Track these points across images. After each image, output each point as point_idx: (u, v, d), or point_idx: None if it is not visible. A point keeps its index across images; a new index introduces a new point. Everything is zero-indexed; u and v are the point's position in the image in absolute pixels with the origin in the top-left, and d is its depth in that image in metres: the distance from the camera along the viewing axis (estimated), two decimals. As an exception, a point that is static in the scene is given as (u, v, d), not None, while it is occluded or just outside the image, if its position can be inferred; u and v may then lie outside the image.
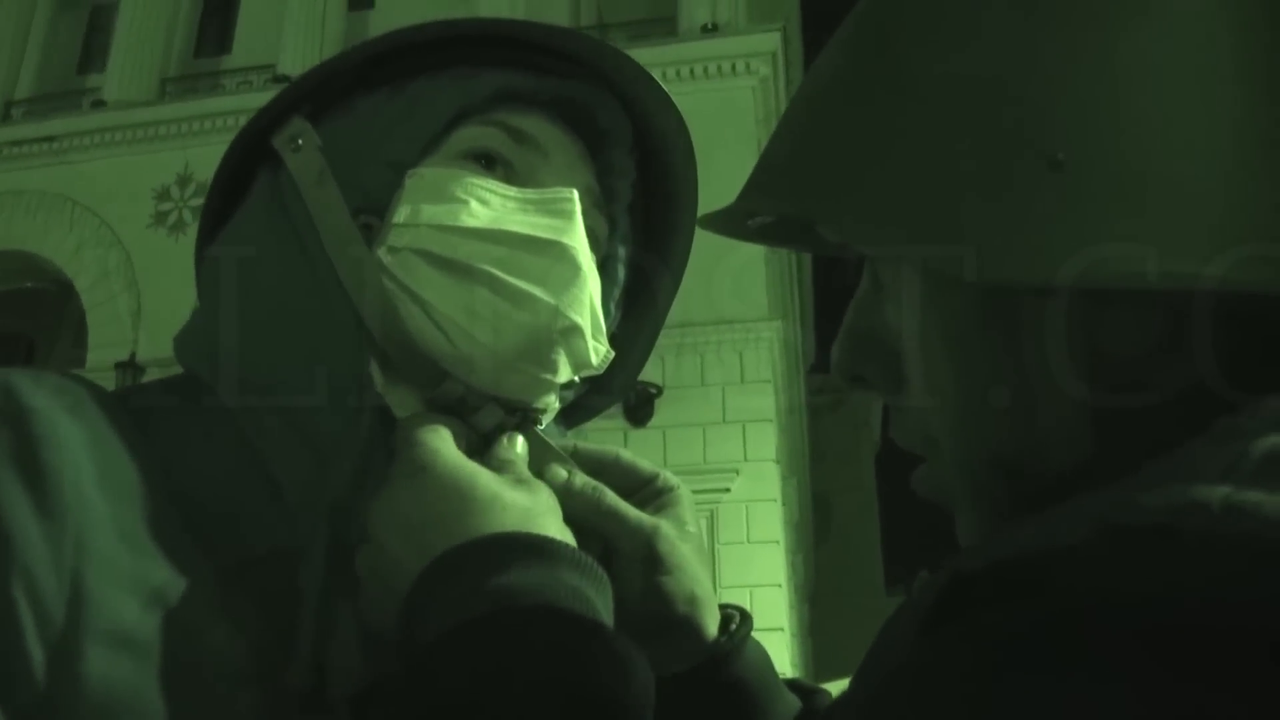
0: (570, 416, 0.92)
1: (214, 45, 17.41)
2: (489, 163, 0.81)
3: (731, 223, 0.68)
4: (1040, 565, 0.43)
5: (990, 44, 0.54)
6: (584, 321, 0.78)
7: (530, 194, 0.80)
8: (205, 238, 0.86)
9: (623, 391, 0.96)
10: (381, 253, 0.77)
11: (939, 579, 0.46)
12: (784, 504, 12.00)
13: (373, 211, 0.78)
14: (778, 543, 11.54)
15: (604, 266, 0.87)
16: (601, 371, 0.85)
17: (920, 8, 0.58)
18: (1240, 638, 0.38)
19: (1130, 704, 0.38)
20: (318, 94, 0.83)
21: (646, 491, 0.84)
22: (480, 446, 0.77)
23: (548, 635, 0.62)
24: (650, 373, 11.14)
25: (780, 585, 11.39)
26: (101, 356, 13.66)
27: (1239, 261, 0.49)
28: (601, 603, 0.67)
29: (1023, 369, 0.55)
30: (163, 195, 14.18)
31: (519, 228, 0.78)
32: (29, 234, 15.14)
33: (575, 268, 0.78)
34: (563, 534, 0.71)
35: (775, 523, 11.60)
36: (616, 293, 0.88)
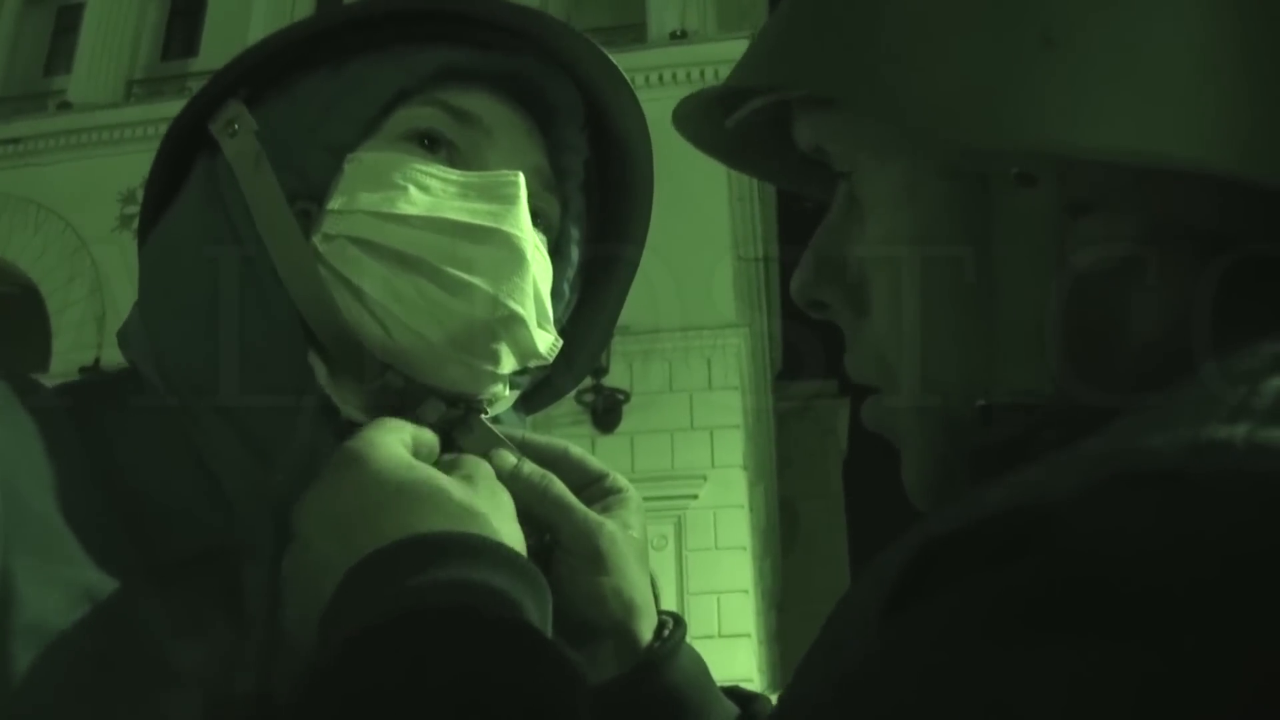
0: (531, 400, 0.90)
1: (181, 48, 17.27)
2: (432, 144, 0.79)
3: (708, 125, 0.67)
4: (1032, 523, 0.37)
5: None
6: (525, 310, 0.76)
7: (472, 177, 0.77)
8: (146, 228, 0.84)
9: (585, 370, 0.94)
10: (317, 240, 0.75)
11: (905, 548, 0.41)
12: (751, 510, 12.00)
13: (312, 197, 0.77)
14: (745, 549, 11.54)
15: (557, 247, 0.85)
16: (551, 360, 0.83)
17: None
18: (1272, 594, 0.32)
19: (1147, 676, 0.32)
20: (256, 75, 0.81)
21: (594, 490, 0.83)
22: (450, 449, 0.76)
23: (460, 640, 0.59)
24: (618, 379, 11.13)
25: (747, 591, 11.39)
26: (66, 361, 13.51)
27: (1239, 150, 0.48)
28: (534, 606, 0.65)
29: (993, 280, 0.54)
30: (128, 199, 14.03)
31: (458, 215, 0.75)
32: (-8, 236, 15.01)
33: (517, 255, 0.76)
34: (510, 535, 0.69)
35: (743, 529, 11.60)
36: (570, 272, 0.87)
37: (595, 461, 0.84)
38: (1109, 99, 0.50)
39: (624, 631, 0.78)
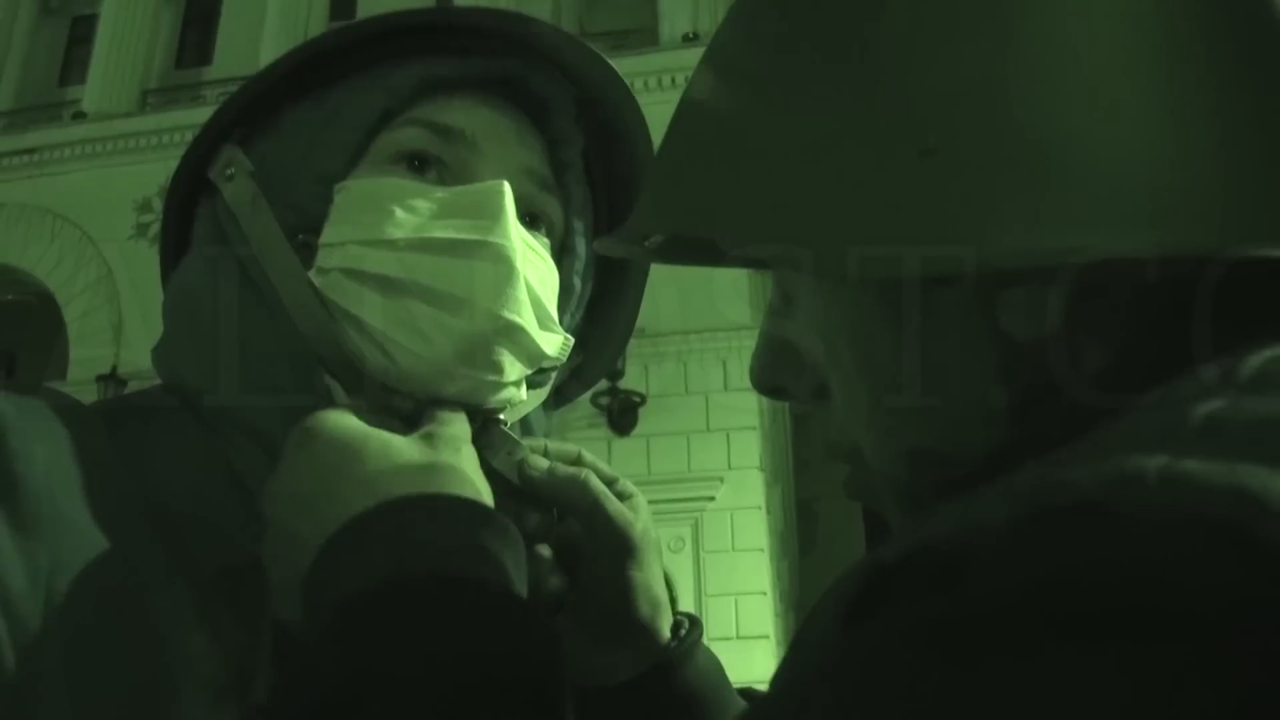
0: (561, 394, 0.91)
1: (195, 56, 17.33)
2: (421, 164, 0.79)
3: (629, 245, 0.66)
4: (961, 552, 0.39)
5: (863, 41, 0.53)
6: (523, 318, 0.76)
7: (456, 193, 0.77)
8: (167, 273, 0.86)
9: (614, 359, 0.94)
10: (313, 275, 0.76)
11: (858, 570, 0.43)
12: (768, 511, 11.97)
13: (311, 229, 0.77)
14: (762, 550, 11.50)
15: (563, 243, 0.85)
16: (563, 360, 0.83)
17: (790, 8, 0.57)
18: (1182, 625, 0.33)
19: (1057, 698, 0.34)
20: (249, 116, 0.82)
21: None
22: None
23: (442, 606, 0.59)
24: (633, 381, 11.12)
25: (765, 593, 11.36)
26: (83, 370, 13.56)
27: (1126, 229, 0.46)
28: (507, 558, 0.64)
29: (929, 361, 0.54)
30: (144, 207, 14.07)
31: (444, 232, 0.75)
32: (9, 247, 15.03)
33: (507, 266, 0.76)
34: (472, 487, 0.68)
35: (760, 530, 11.56)
36: (580, 265, 0.86)
37: (605, 466, 0.85)
38: (1003, 198, 0.48)
39: (648, 628, 0.79)
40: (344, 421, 0.69)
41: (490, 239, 0.75)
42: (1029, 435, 0.50)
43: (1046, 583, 0.36)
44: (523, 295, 0.76)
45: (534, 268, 0.79)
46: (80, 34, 17.60)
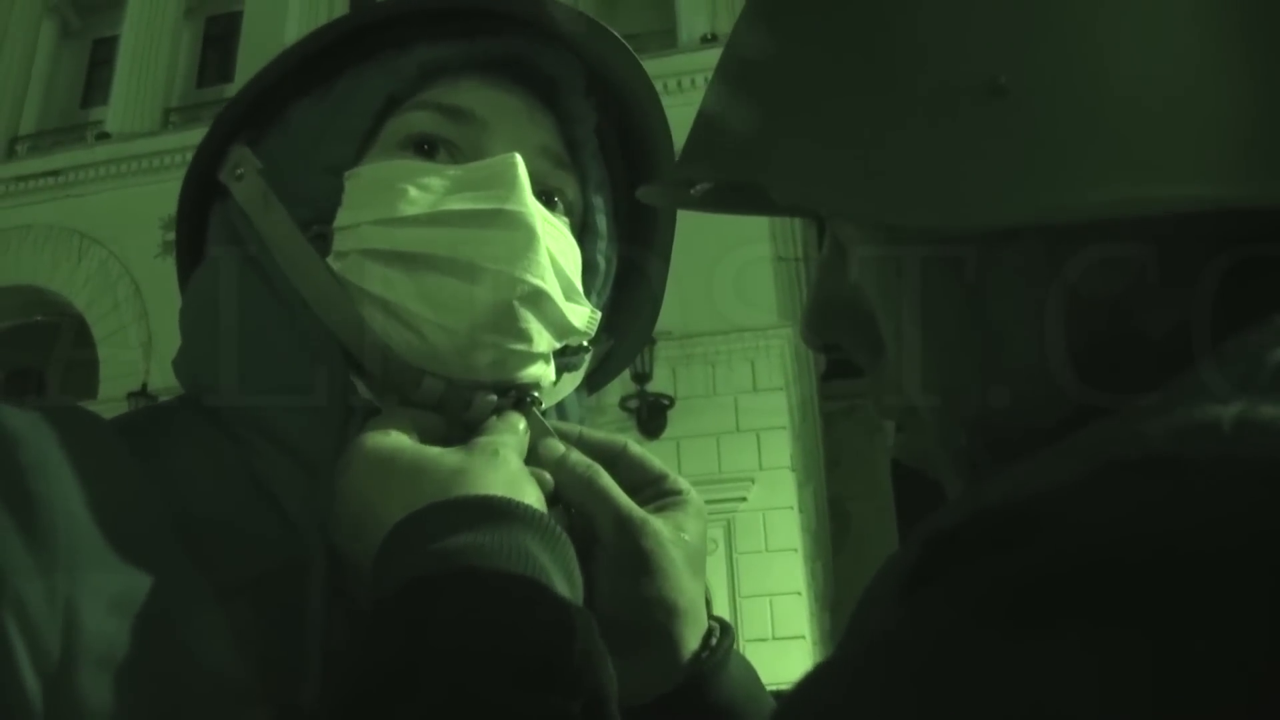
0: (594, 380, 0.89)
1: (216, 74, 17.44)
2: (431, 147, 0.78)
3: (674, 194, 0.64)
4: (1029, 512, 0.37)
5: None
6: (547, 284, 0.75)
7: (469, 169, 0.76)
8: (185, 273, 0.85)
9: (643, 339, 0.93)
10: (331, 260, 0.75)
11: (915, 538, 0.40)
12: (801, 511, 11.95)
13: (325, 221, 0.76)
14: (796, 550, 11.48)
15: (583, 221, 0.84)
16: (591, 335, 0.81)
17: None
18: (1264, 575, 0.31)
19: (1131, 663, 0.32)
20: (256, 115, 0.81)
21: (651, 491, 0.80)
22: (464, 436, 0.74)
23: (476, 602, 0.59)
24: (661, 384, 11.12)
25: (800, 593, 11.34)
26: (114, 388, 13.65)
27: (1222, 177, 0.44)
28: (545, 554, 0.63)
29: (991, 322, 0.51)
30: (170, 225, 14.14)
31: (460, 204, 0.74)
32: (38, 268, 15.17)
33: (527, 231, 0.75)
34: (509, 487, 0.67)
35: (793, 530, 11.55)
36: (602, 243, 0.85)
37: (655, 461, 0.81)
38: (1076, 144, 0.45)
39: (665, 637, 0.75)
40: (377, 441, 0.70)
41: (506, 206, 0.75)
42: (1093, 407, 0.46)
43: (1121, 538, 0.34)
44: (544, 260, 0.75)
45: (555, 239, 0.78)
46: (101, 56, 17.74)
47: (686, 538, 0.77)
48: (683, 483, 0.81)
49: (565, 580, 0.64)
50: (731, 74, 0.58)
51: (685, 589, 0.76)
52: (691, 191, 0.61)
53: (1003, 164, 0.45)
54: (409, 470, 0.68)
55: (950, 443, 0.55)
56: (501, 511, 0.64)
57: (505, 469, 0.69)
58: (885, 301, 0.55)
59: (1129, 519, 0.34)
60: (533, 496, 0.68)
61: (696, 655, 0.75)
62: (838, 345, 0.61)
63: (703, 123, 0.58)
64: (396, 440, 0.70)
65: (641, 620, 0.74)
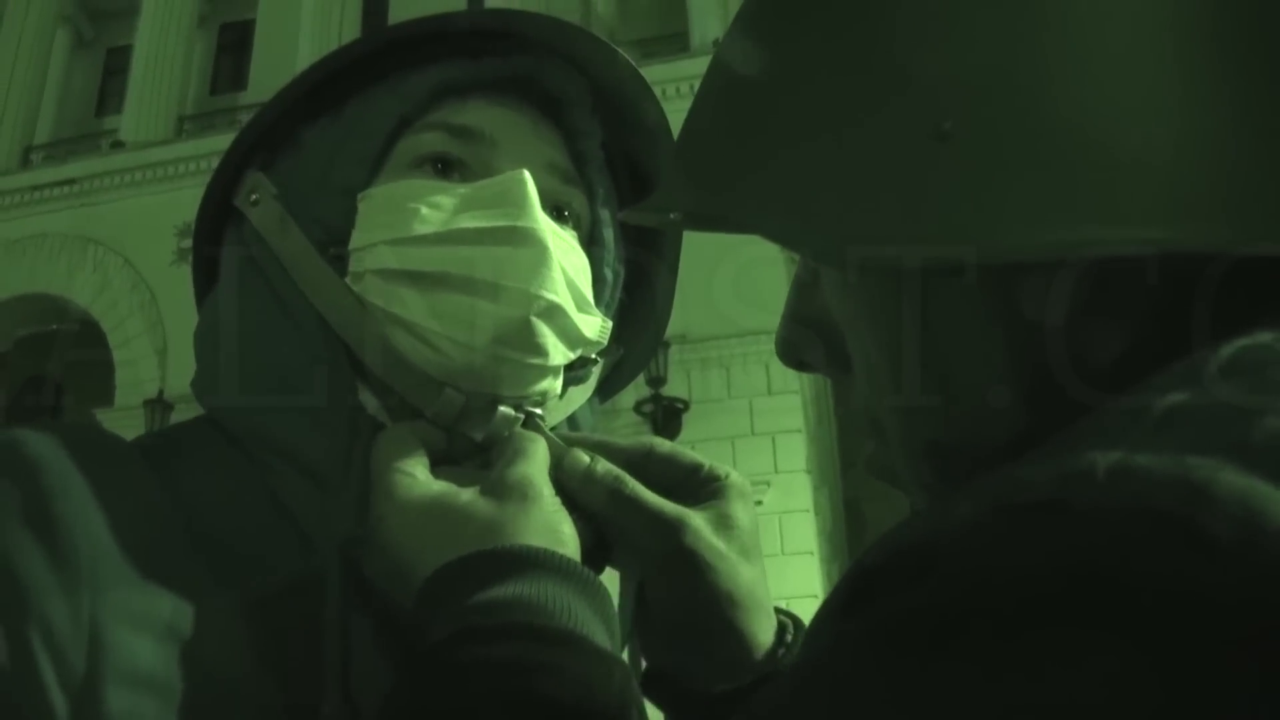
0: (606, 389, 0.90)
1: (229, 82, 17.56)
2: (443, 167, 0.78)
3: (654, 216, 0.65)
4: (930, 550, 0.40)
5: (877, 23, 0.52)
6: (561, 298, 0.76)
7: (478, 187, 0.77)
8: (201, 295, 0.86)
9: (654, 345, 0.93)
10: (349, 281, 0.76)
11: (849, 573, 0.44)
12: (817, 514, 11.95)
13: (339, 243, 0.77)
14: (812, 553, 11.49)
15: (591, 235, 0.85)
16: (604, 344, 0.82)
17: None
18: (1126, 614, 0.34)
19: (1010, 685, 0.35)
20: (270, 140, 0.82)
21: (690, 484, 0.78)
22: (473, 450, 0.76)
23: (521, 654, 0.59)
24: (676, 388, 11.12)
25: (817, 596, 11.31)
26: (130, 395, 13.73)
27: (1168, 216, 0.46)
28: (582, 605, 0.63)
29: (943, 348, 0.54)
30: (185, 232, 14.20)
31: (472, 222, 0.75)
32: (53, 277, 15.26)
33: (540, 247, 0.75)
34: (548, 533, 0.67)
35: (809, 533, 11.55)
36: (610, 256, 0.86)
37: (687, 454, 0.80)
38: (1014, 188, 0.47)
39: (731, 632, 0.74)
40: (407, 495, 0.69)
41: (519, 223, 0.75)
42: (1043, 424, 0.48)
43: (1001, 574, 0.37)
44: (557, 275, 0.76)
45: (566, 252, 0.78)
46: (115, 65, 17.85)
47: (739, 523, 0.77)
48: (721, 468, 0.80)
49: (605, 630, 0.64)
50: (705, 104, 0.60)
51: (740, 578, 0.75)
52: (670, 215, 0.62)
53: (944, 206, 0.48)
54: (446, 520, 0.68)
55: (911, 463, 0.58)
56: (541, 564, 0.64)
57: (539, 512, 0.69)
58: (849, 326, 0.59)
59: (1011, 556, 0.38)
60: (569, 534, 0.68)
61: (773, 652, 0.75)
62: (808, 363, 0.64)
63: (678, 149, 0.61)
64: (425, 487, 0.70)
65: (702, 617, 0.74)
